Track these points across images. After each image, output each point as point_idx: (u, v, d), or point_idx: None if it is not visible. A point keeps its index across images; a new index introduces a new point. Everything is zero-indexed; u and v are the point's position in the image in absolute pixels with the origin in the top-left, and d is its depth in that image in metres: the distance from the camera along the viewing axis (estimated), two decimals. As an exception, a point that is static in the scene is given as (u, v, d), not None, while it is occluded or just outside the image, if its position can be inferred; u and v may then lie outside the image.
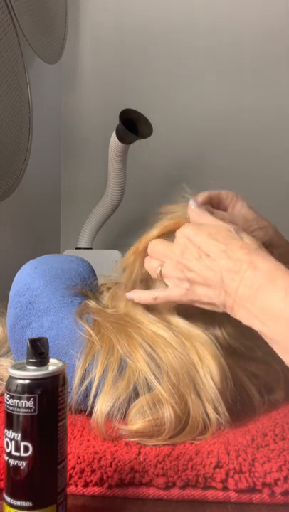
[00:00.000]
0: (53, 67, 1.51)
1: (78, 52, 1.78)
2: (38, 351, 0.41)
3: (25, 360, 0.41)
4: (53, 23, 1.42)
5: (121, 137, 1.40)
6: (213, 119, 1.70)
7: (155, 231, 0.67)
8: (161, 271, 0.61)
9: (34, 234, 1.57)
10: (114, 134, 1.42)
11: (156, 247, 0.63)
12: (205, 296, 0.57)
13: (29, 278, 0.69)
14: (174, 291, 0.60)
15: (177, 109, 1.72)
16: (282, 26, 1.68)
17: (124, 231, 1.71)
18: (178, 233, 0.61)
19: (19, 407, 0.39)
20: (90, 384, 0.59)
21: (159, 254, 0.62)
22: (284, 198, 1.64)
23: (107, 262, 1.45)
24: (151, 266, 0.63)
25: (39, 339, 0.41)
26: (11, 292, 0.70)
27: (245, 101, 1.70)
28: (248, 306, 0.52)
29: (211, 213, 0.64)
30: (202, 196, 0.66)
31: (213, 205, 0.67)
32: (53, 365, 0.41)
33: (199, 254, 0.57)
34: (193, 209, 0.63)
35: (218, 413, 0.57)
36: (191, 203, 0.64)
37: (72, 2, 1.68)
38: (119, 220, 1.61)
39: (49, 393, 0.39)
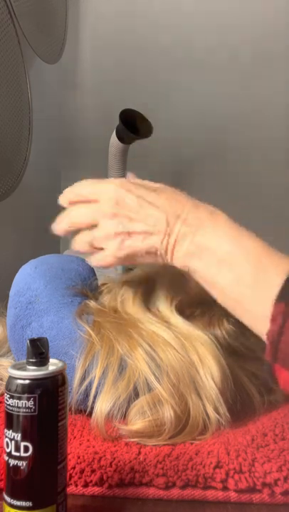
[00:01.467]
0: (53, 67, 1.51)
1: (78, 52, 1.78)
2: (38, 351, 0.41)
3: (25, 360, 0.41)
4: (53, 23, 1.42)
5: (121, 137, 1.40)
6: (214, 119, 1.70)
7: None
8: (92, 239, 0.58)
9: (34, 234, 1.57)
10: (114, 134, 1.42)
11: (80, 213, 0.59)
12: (147, 244, 0.55)
13: (29, 278, 0.69)
14: (108, 250, 0.57)
15: (177, 109, 1.72)
16: (283, 25, 1.68)
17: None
18: (106, 190, 0.58)
19: (19, 407, 0.39)
20: (90, 384, 0.59)
21: (85, 219, 0.59)
22: (285, 197, 1.64)
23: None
24: (83, 240, 0.59)
25: (39, 339, 0.41)
26: (11, 292, 0.70)
27: (245, 101, 1.70)
28: (186, 244, 0.53)
29: None
30: None
31: None
32: (53, 365, 0.41)
33: (140, 204, 0.56)
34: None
35: (219, 413, 0.57)
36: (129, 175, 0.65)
37: (72, 2, 1.68)
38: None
39: (49, 393, 0.39)
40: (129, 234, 0.55)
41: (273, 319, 0.45)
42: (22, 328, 0.66)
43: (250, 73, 1.70)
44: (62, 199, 0.61)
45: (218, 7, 1.71)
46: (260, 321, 0.47)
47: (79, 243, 0.60)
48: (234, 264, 0.49)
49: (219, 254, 0.51)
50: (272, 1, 1.68)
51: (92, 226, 0.58)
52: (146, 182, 0.61)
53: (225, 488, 0.47)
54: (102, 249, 0.58)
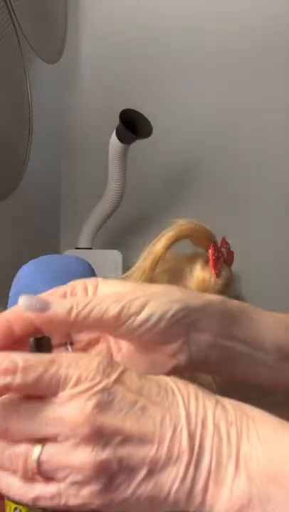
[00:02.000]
0: (53, 67, 1.51)
1: (78, 52, 1.78)
2: (42, 351, 0.40)
3: None
4: (53, 23, 1.42)
5: (121, 137, 1.40)
6: (214, 118, 1.70)
7: (160, 245, 0.63)
8: (38, 459, 0.30)
9: (34, 234, 1.57)
10: (114, 134, 1.42)
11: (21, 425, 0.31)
12: (151, 487, 0.30)
13: (29, 278, 0.69)
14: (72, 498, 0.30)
15: (177, 110, 1.72)
16: (284, 26, 1.68)
17: (124, 231, 1.72)
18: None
19: None
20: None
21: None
22: (284, 197, 1.65)
23: (107, 262, 1.45)
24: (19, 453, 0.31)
25: (42, 338, 0.40)
26: (11, 292, 0.70)
27: (246, 101, 1.70)
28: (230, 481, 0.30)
29: None
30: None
31: None
32: None
33: (140, 403, 0.31)
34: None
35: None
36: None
37: (72, 2, 1.68)
38: (119, 220, 1.61)
39: None
40: (120, 464, 0.30)
41: None
42: (22, 329, 0.66)
43: (252, 73, 1.70)
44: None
45: (220, 8, 1.71)
46: None
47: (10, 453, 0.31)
48: None
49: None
50: (273, 3, 1.68)
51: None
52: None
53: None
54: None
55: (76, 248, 1.55)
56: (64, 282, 0.71)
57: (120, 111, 1.36)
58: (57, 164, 1.79)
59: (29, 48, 1.25)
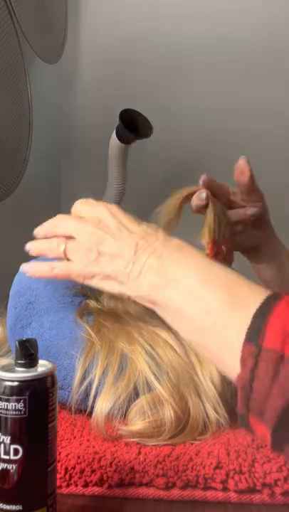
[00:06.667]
0: (53, 67, 1.51)
1: (78, 52, 1.78)
2: (28, 352, 0.40)
3: (13, 362, 0.40)
4: (53, 22, 1.42)
5: (121, 137, 1.40)
6: (214, 118, 1.70)
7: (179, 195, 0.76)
8: (66, 247, 0.57)
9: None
10: (114, 134, 1.42)
11: (65, 223, 0.60)
12: (108, 267, 0.53)
13: (29, 278, 0.69)
14: (75, 262, 0.56)
15: (177, 110, 1.72)
16: (284, 26, 1.68)
17: (124, 231, 1.71)
18: (96, 210, 0.59)
19: (8, 410, 0.38)
20: (90, 384, 0.59)
21: (67, 229, 0.59)
22: (284, 197, 1.64)
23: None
24: (51, 246, 0.59)
25: (28, 340, 0.40)
26: (11, 292, 0.70)
27: (245, 101, 1.70)
28: (150, 275, 0.51)
29: None
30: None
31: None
32: (42, 366, 0.41)
33: (119, 228, 0.55)
34: None
35: (218, 414, 0.57)
36: None
37: (72, 2, 1.68)
38: (119, 220, 1.61)
39: (39, 395, 0.39)
40: (99, 253, 0.54)
41: (243, 362, 0.40)
42: (22, 328, 0.66)
43: (251, 74, 1.70)
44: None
45: (219, 8, 1.71)
46: (228, 361, 0.42)
47: (48, 246, 0.59)
48: (201, 296, 0.46)
49: (186, 285, 0.48)
50: (273, 3, 1.68)
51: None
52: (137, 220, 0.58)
53: (225, 489, 0.47)
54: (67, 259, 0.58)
55: (76, 248, 1.55)
56: (64, 282, 0.71)
57: (120, 111, 1.36)
58: (57, 164, 1.79)
59: (29, 47, 1.25)
